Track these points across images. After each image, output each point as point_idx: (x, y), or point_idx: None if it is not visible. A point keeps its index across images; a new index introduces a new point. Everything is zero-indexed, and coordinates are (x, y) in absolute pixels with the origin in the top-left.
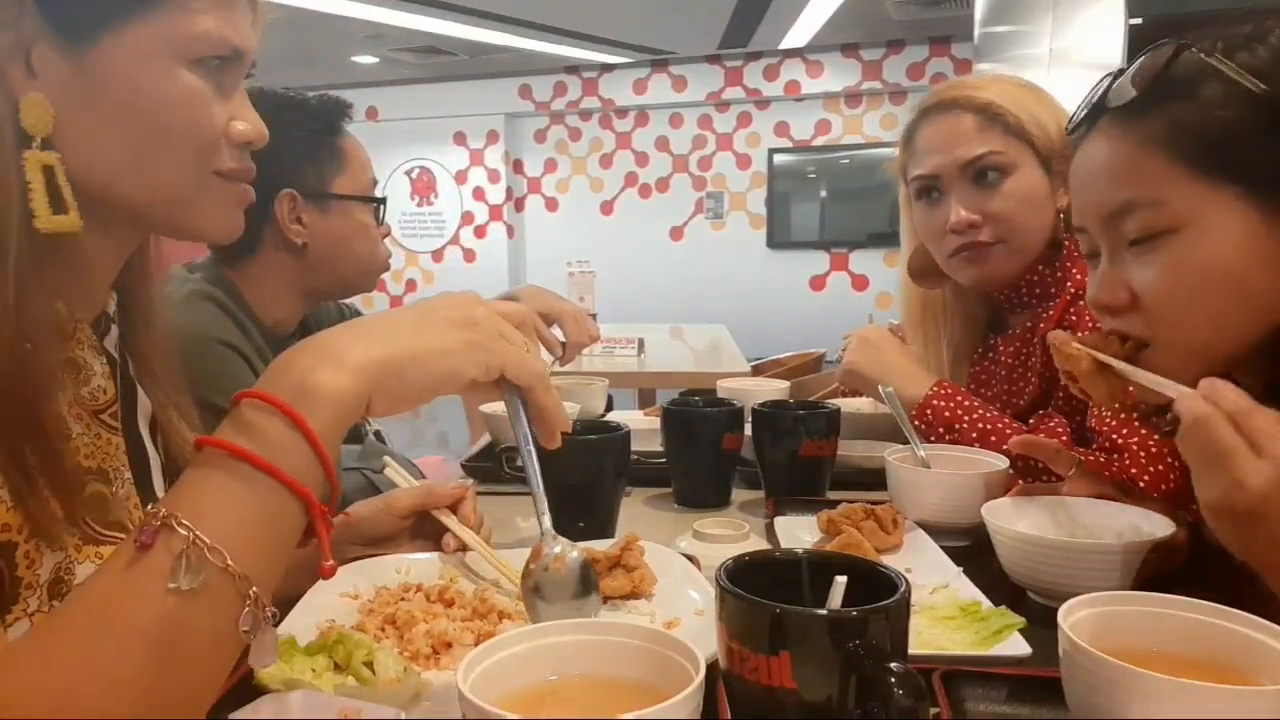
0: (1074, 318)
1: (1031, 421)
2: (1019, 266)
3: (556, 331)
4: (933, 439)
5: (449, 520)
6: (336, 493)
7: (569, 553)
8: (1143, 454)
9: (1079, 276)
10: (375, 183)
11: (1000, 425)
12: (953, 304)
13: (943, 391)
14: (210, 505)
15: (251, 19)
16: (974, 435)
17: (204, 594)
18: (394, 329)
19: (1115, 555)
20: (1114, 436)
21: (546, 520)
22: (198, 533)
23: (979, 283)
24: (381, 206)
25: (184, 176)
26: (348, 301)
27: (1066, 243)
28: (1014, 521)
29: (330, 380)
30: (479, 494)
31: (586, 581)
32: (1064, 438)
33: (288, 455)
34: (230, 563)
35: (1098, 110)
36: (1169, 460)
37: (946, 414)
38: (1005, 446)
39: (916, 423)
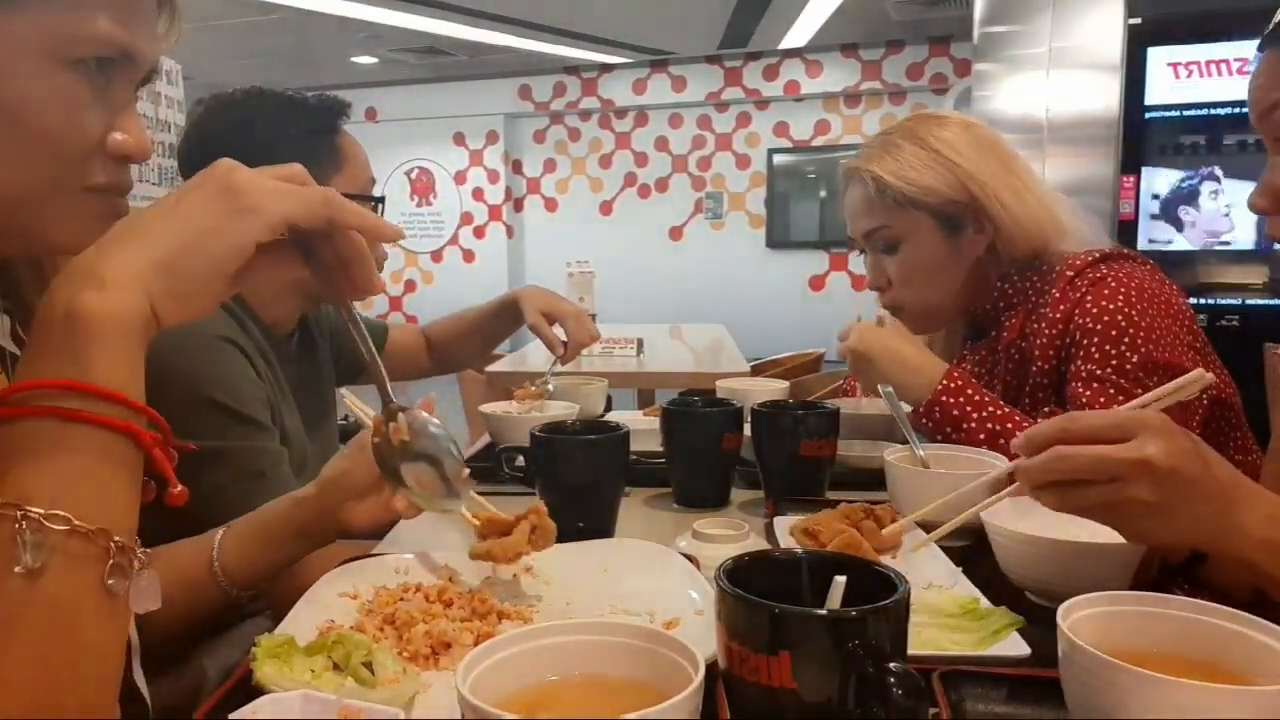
0: (1037, 325)
1: (1039, 419)
2: (934, 323)
3: (558, 331)
4: (939, 438)
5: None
6: (156, 417)
7: (415, 419)
8: None
9: (1051, 292)
10: (373, 182)
11: (1009, 425)
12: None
13: (951, 385)
14: (31, 475)
15: (162, 27)
16: (982, 436)
17: (59, 563)
18: (148, 227)
19: (1113, 555)
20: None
21: (389, 391)
22: (27, 509)
23: (917, 332)
24: (379, 206)
25: (39, 185)
26: None
27: (1051, 260)
28: (1013, 522)
29: (97, 303)
30: (479, 494)
31: (447, 448)
32: None
33: (85, 399)
34: (78, 523)
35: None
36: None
37: (955, 411)
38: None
39: (924, 420)
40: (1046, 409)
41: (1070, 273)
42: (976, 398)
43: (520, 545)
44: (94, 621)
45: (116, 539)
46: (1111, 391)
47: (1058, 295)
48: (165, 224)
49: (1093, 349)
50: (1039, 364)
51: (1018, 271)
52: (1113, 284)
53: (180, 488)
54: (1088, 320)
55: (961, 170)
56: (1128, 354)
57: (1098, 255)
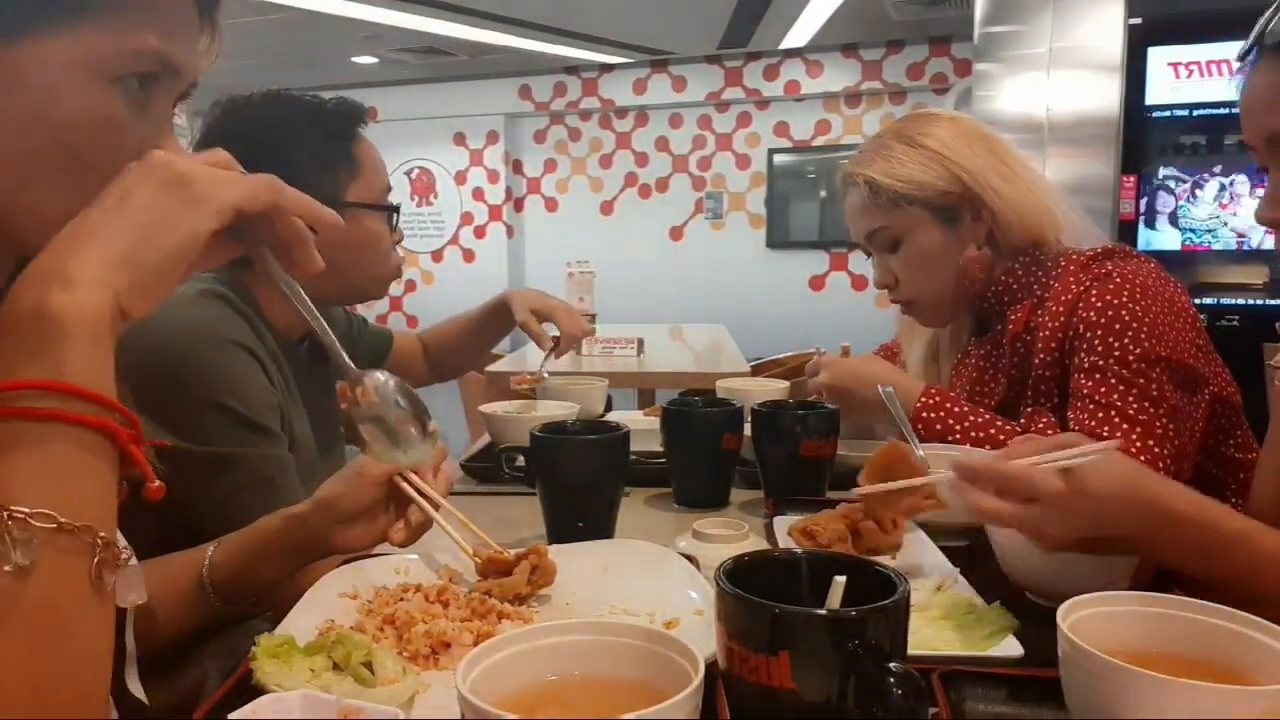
0: (1042, 318)
1: (1022, 420)
2: (943, 317)
3: (550, 329)
4: None
5: (417, 484)
6: (128, 414)
7: (379, 383)
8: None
9: (1054, 285)
10: (389, 189)
11: (993, 431)
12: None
13: (930, 402)
14: (11, 476)
15: (203, 44)
16: (968, 445)
17: (49, 560)
18: (102, 224)
19: (1113, 556)
20: (1098, 434)
21: (344, 359)
22: (11, 508)
23: (930, 325)
24: (395, 215)
25: (81, 204)
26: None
27: (1053, 250)
28: None
29: (65, 302)
30: (479, 494)
31: (409, 409)
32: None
33: (60, 397)
34: (64, 520)
35: (1259, 42)
36: (1155, 451)
37: (938, 426)
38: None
39: None
40: (1047, 404)
41: (1074, 267)
42: (956, 410)
43: (519, 586)
44: (84, 617)
45: (101, 535)
46: (1113, 381)
47: (1059, 288)
48: (120, 219)
49: (1095, 341)
50: (1041, 356)
51: (1020, 264)
52: (1117, 279)
53: (158, 483)
54: (1091, 314)
55: (950, 162)
56: (1130, 346)
57: (1100, 251)
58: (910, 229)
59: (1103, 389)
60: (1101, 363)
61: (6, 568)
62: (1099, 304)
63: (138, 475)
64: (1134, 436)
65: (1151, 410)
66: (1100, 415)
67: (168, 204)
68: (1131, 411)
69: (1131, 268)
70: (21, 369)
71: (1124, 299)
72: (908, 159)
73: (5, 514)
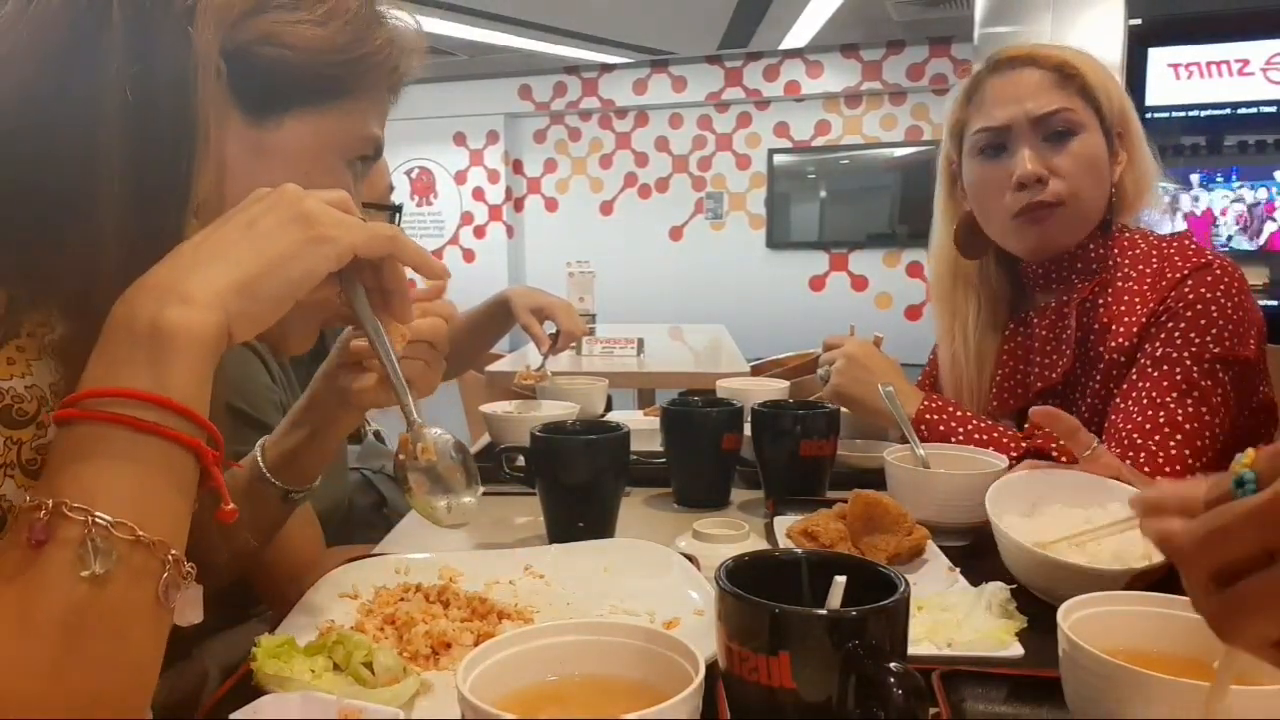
0: (1120, 296)
1: (1027, 426)
2: (1077, 235)
3: (548, 326)
4: None
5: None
6: (217, 435)
7: (438, 439)
8: (1160, 456)
9: (1137, 269)
10: (392, 189)
11: (996, 435)
12: (984, 277)
13: (934, 405)
14: (100, 481)
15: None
16: (972, 446)
17: (122, 573)
18: (226, 248)
19: (1119, 579)
20: (1134, 435)
21: (412, 412)
22: (96, 514)
23: (1038, 248)
24: (397, 215)
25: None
26: None
27: (1115, 226)
28: (1018, 511)
29: (181, 319)
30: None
31: (461, 467)
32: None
33: (161, 411)
34: (141, 534)
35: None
36: (1190, 464)
37: (941, 428)
38: (1030, 412)
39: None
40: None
41: (1170, 251)
42: (959, 414)
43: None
44: (143, 630)
45: (173, 552)
46: (1177, 378)
47: (1147, 271)
48: (245, 246)
49: (1175, 333)
50: (1120, 340)
51: (1105, 236)
52: (1217, 270)
53: (231, 505)
54: (1180, 304)
55: (1125, 98)
56: (1210, 345)
57: (1186, 238)
58: (1088, 124)
59: (1164, 384)
60: (1175, 355)
61: (84, 573)
62: (1191, 295)
63: (214, 493)
64: (1171, 445)
65: (1207, 418)
66: (1149, 414)
67: (292, 239)
68: (1180, 418)
69: (1232, 264)
70: (127, 377)
71: (1218, 293)
72: (1100, 68)
73: (90, 518)
